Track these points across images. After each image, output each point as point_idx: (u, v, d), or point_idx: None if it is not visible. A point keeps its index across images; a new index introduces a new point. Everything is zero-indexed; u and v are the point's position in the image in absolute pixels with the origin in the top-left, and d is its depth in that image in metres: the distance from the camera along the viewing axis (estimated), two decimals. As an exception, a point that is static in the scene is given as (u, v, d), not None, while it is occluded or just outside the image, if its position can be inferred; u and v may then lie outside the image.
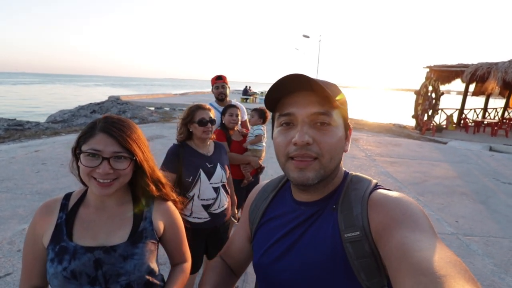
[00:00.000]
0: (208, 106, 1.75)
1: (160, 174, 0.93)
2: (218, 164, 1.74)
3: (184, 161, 1.65)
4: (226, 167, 1.81)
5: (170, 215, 0.94)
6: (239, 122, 2.39)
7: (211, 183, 1.68)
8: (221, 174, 1.73)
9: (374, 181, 0.63)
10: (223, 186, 1.76)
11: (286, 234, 0.65)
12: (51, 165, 4.83)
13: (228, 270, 0.81)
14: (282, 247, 0.64)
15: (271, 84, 0.60)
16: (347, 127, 0.63)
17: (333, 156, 0.58)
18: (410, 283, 0.39)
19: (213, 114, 1.74)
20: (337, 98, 0.58)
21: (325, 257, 0.57)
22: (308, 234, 0.61)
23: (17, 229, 2.84)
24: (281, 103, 0.61)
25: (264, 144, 2.47)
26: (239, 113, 2.32)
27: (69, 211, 0.83)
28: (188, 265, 1.00)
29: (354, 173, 0.67)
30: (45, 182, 4.08)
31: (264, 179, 0.86)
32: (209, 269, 0.80)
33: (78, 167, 0.81)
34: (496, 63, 10.24)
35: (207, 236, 1.77)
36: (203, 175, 1.66)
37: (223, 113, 2.31)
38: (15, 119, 9.64)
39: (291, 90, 0.59)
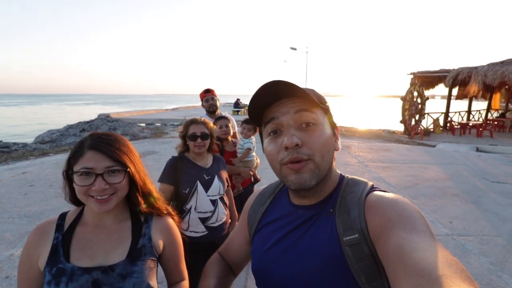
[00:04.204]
0: (203, 119, 1.75)
1: (152, 187, 0.91)
2: (216, 176, 1.72)
3: (181, 173, 1.64)
4: (225, 180, 1.80)
5: (169, 232, 0.91)
6: (231, 133, 2.41)
7: (208, 195, 1.66)
8: (218, 187, 1.71)
9: (370, 183, 0.63)
10: (221, 199, 1.74)
11: (283, 237, 0.64)
12: (40, 187, 4.69)
13: (227, 267, 0.81)
14: (279, 249, 0.63)
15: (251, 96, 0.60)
16: (333, 126, 0.64)
17: (324, 154, 0.58)
18: (407, 284, 0.39)
19: (211, 127, 1.73)
20: (318, 98, 0.60)
21: (323, 260, 0.56)
22: (305, 237, 0.61)
23: (5, 255, 2.72)
24: (264, 115, 0.62)
25: (254, 154, 2.49)
26: (229, 123, 2.34)
27: (65, 231, 0.81)
28: (186, 283, 0.97)
29: (350, 176, 0.67)
30: (33, 205, 3.95)
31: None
32: (211, 263, 0.80)
33: (70, 190, 0.80)
34: (476, 67, 10.68)
35: (205, 251, 1.73)
36: (200, 187, 1.64)
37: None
38: (1, 141, 9.39)
39: (272, 101, 0.60)
